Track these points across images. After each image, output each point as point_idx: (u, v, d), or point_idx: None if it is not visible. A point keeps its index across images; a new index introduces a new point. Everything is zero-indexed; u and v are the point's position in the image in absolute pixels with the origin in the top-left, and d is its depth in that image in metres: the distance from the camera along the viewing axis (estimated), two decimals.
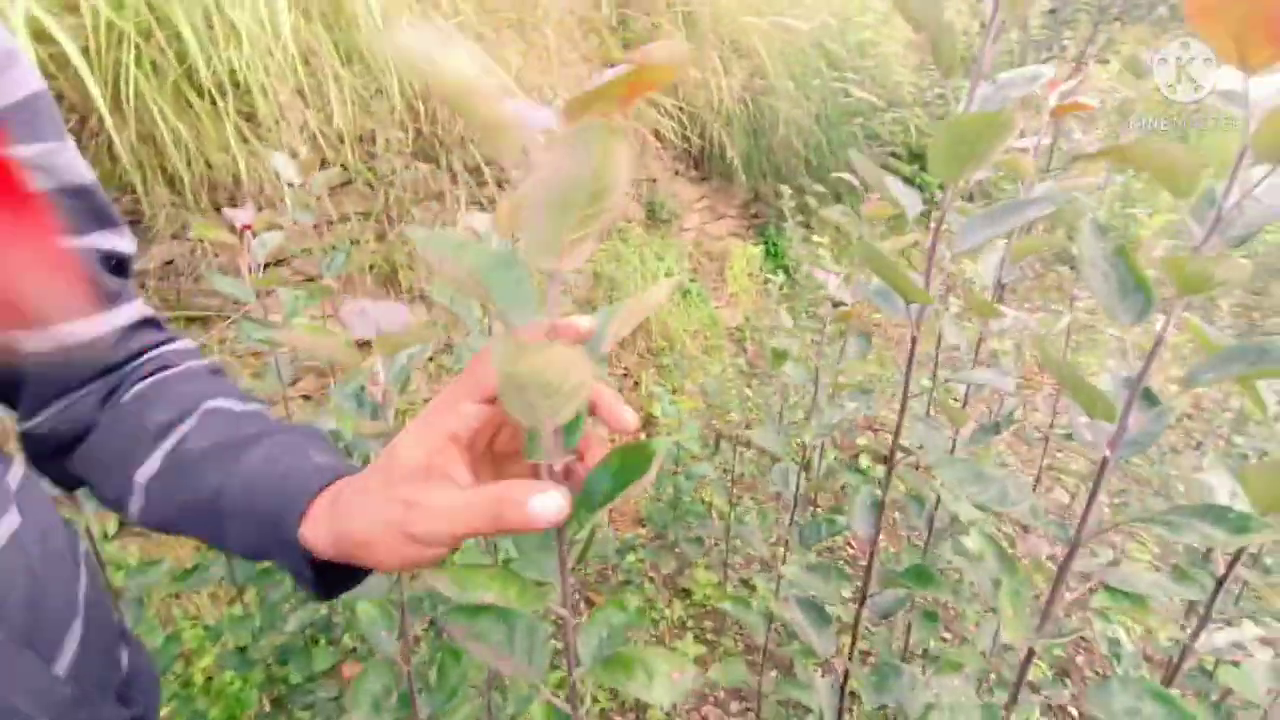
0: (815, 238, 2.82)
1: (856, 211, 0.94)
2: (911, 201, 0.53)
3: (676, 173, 3.39)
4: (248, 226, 0.90)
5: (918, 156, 4.17)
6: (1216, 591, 0.48)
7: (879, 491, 0.64)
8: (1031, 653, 0.47)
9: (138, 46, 1.38)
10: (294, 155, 1.64)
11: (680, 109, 2.90)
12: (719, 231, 3.87)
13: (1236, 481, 0.50)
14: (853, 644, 0.68)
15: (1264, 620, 0.53)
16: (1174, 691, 0.48)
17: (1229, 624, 0.53)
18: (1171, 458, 1.57)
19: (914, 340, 0.53)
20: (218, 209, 1.76)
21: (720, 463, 1.47)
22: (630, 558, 1.93)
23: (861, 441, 2.49)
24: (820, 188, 3.74)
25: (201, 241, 1.72)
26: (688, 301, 3.35)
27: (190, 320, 1.77)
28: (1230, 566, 0.47)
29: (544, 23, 2.10)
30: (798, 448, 1.09)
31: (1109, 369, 0.42)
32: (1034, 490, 1.51)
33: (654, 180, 3.19)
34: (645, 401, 2.68)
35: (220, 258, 1.75)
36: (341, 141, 1.71)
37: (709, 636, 1.79)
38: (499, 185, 2.23)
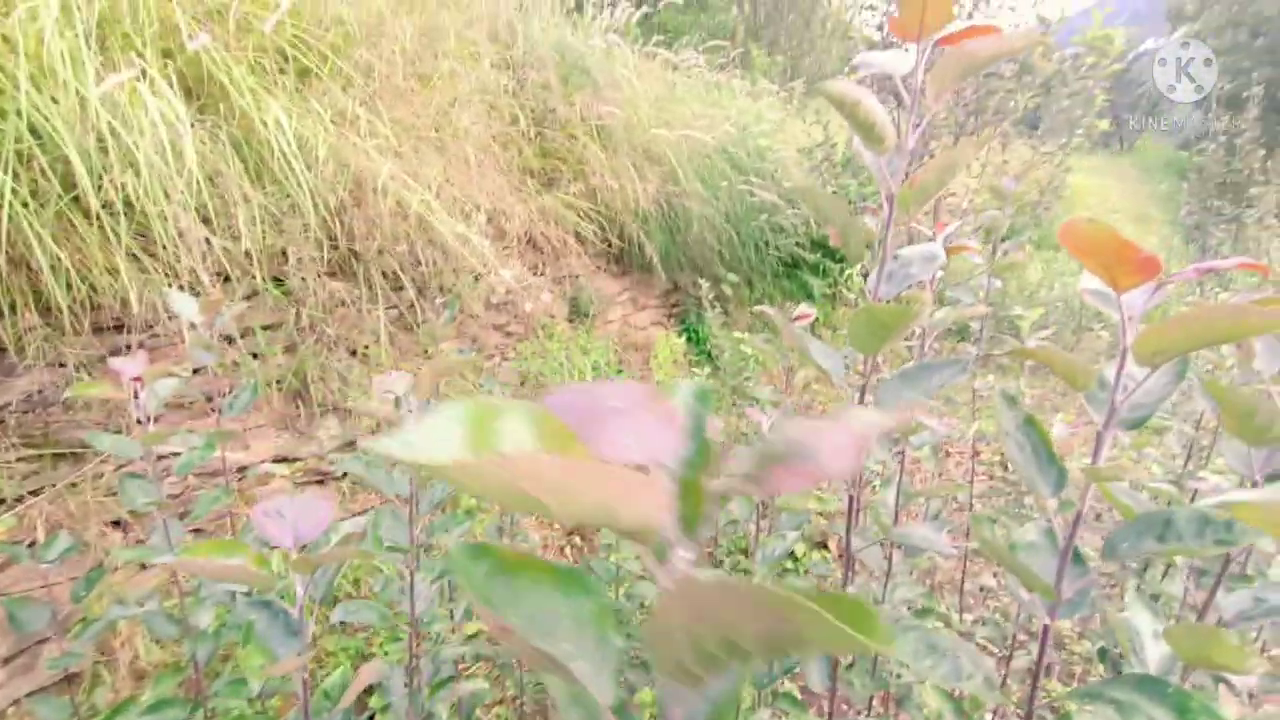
0: (737, 333, 2.93)
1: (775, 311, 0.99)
2: (835, 365, 0.55)
3: (598, 269, 3.48)
4: (138, 379, 0.82)
5: (819, 245, 4.52)
6: None
7: None
8: None
9: (15, 173, 1.28)
10: (195, 279, 1.55)
11: (599, 212, 3.02)
12: (642, 322, 3.97)
13: (1156, 621, 0.53)
14: None
15: None
16: None
17: None
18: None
19: (851, 499, 0.54)
20: (97, 331, 1.61)
21: None
22: None
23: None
24: (734, 277, 3.96)
25: (78, 369, 1.56)
26: None
27: (58, 457, 1.57)
28: None
29: (463, 139, 2.16)
30: (738, 564, 1.07)
31: (1028, 541, 0.43)
32: (963, 574, 1.56)
33: (576, 277, 3.26)
34: None
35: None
36: (249, 259, 1.64)
37: None
38: (419, 294, 2.19)
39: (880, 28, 4.38)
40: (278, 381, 1.96)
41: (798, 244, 4.41)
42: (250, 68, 1.66)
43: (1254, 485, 0.45)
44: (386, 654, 1.30)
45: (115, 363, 0.83)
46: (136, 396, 0.87)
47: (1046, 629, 0.43)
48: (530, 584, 0.24)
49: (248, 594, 0.94)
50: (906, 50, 0.49)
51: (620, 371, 3.44)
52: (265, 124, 1.58)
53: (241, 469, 1.89)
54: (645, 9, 4.45)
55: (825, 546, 2.50)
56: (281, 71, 1.73)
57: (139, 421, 0.86)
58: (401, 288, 2.20)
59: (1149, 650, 0.52)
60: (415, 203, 1.78)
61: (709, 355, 4.06)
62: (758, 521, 0.80)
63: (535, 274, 2.93)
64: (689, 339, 4.18)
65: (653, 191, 3.24)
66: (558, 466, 0.17)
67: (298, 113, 1.66)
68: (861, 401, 0.54)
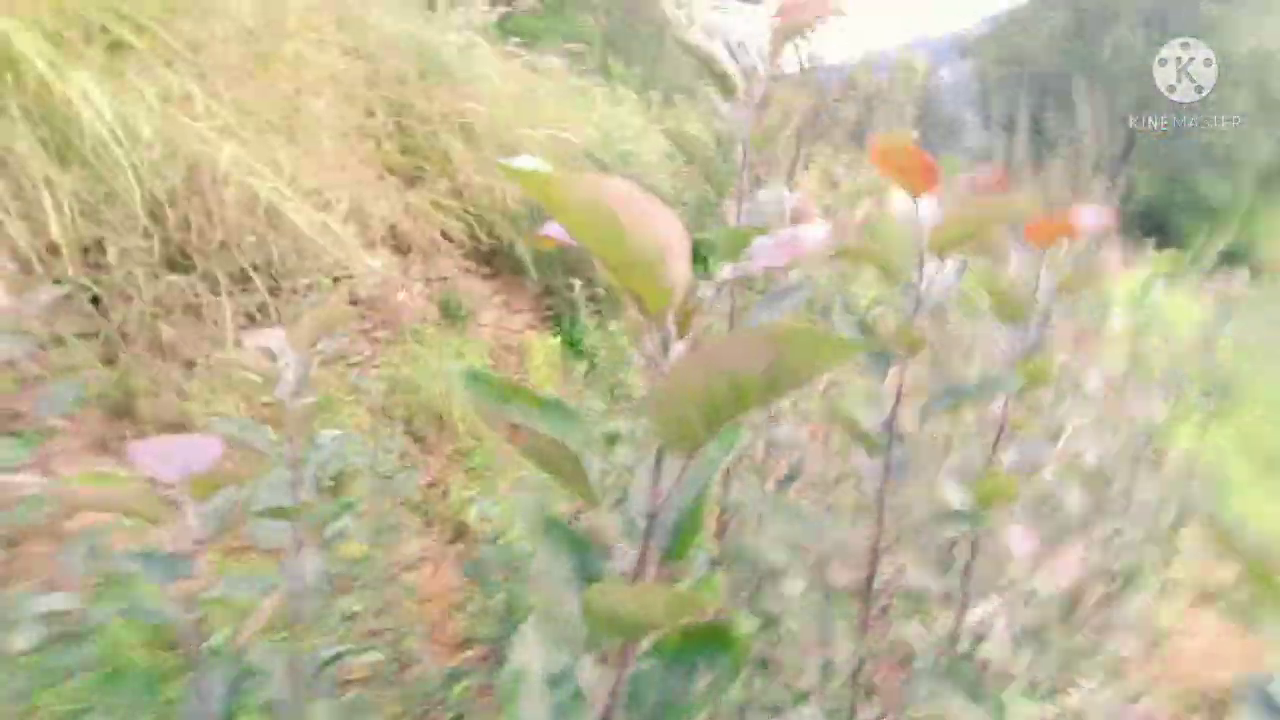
0: (612, 326, 3.01)
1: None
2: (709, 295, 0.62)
3: (468, 270, 3.41)
4: None
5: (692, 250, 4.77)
6: (967, 578, 0.62)
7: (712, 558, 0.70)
8: (863, 661, 0.55)
9: None
10: None
11: (467, 211, 2.97)
12: (516, 325, 3.93)
13: (963, 491, 0.65)
14: None
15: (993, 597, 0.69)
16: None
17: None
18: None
19: None
20: None
21: None
22: (457, 689, 1.72)
23: None
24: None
25: None
26: None
27: None
28: (973, 555, 0.61)
29: (316, 128, 2.02)
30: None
31: (864, 415, 0.54)
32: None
33: (445, 279, 3.16)
34: (456, 510, 2.52)
35: None
36: (55, 254, 1.42)
37: None
38: (271, 293, 2.02)
39: None
40: (98, 396, 1.71)
41: None
42: (47, 36, 1.45)
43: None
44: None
45: None
46: None
47: (881, 491, 0.53)
48: (520, 411, 0.28)
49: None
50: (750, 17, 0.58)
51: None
52: (70, 99, 1.39)
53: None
54: (501, 8, 4.43)
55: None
56: (88, 42, 1.52)
57: None
58: (254, 290, 2.01)
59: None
60: (265, 191, 1.65)
61: (586, 356, 4.12)
62: None
63: (403, 275, 2.81)
64: (565, 341, 4.20)
65: (522, 192, 3.24)
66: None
67: (113, 88, 1.47)
68: (732, 324, 0.62)
